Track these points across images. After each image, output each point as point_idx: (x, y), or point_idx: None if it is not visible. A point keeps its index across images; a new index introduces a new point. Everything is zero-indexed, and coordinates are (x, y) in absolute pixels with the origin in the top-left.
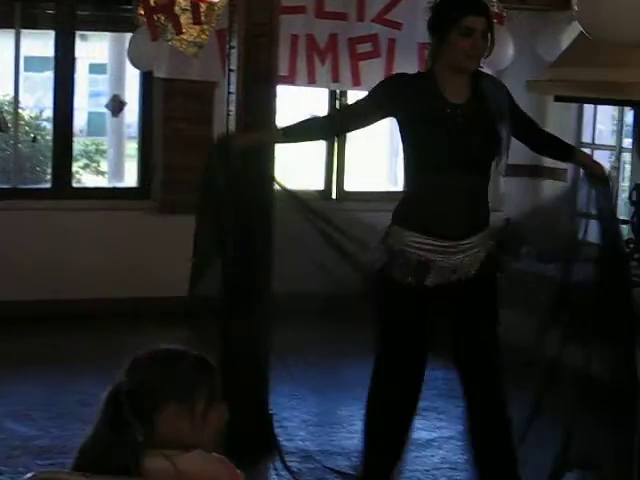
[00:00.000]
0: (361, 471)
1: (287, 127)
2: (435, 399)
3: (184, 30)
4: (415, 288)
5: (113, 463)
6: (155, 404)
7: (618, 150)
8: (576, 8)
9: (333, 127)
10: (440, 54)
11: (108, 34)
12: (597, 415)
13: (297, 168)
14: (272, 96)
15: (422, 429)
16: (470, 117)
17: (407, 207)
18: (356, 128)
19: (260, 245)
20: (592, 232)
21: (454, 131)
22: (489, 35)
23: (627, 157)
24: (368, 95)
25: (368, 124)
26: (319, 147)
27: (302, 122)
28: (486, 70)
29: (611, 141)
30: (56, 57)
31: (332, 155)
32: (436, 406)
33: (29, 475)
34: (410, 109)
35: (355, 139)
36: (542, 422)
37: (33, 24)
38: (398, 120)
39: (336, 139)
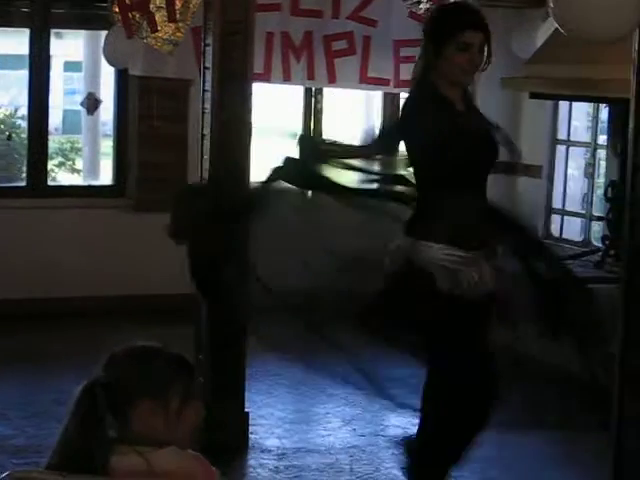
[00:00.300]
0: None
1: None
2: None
3: (159, 28)
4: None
5: (82, 460)
6: (130, 399)
7: (593, 147)
8: (551, 5)
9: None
10: (436, 67)
11: (83, 32)
12: None
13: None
14: (247, 94)
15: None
16: (474, 123)
17: (429, 220)
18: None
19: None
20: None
21: (467, 138)
22: (486, 48)
23: (602, 154)
24: (393, 126)
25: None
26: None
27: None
28: None
29: (586, 138)
30: (31, 55)
31: None
32: None
33: (4, 474)
34: (424, 125)
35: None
36: None
37: (8, 22)
38: (411, 141)
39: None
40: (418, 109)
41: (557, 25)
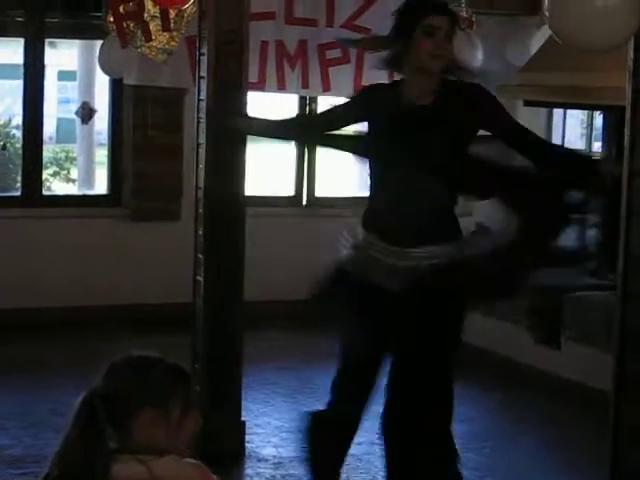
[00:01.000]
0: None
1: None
2: None
3: (153, 37)
4: (370, 287)
5: (83, 472)
6: (130, 410)
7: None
8: (546, 14)
9: (305, 125)
10: (406, 58)
11: (77, 41)
12: None
13: (268, 174)
14: (242, 103)
15: None
16: (431, 119)
17: (368, 210)
18: (327, 130)
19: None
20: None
21: (409, 133)
22: (455, 35)
23: None
24: (344, 102)
25: (338, 127)
26: (289, 153)
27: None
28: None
29: (581, 145)
30: (25, 65)
31: (302, 161)
32: None
33: None
34: (374, 112)
35: None
36: None
37: (3, 32)
38: (367, 124)
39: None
40: (377, 91)
41: (552, 33)
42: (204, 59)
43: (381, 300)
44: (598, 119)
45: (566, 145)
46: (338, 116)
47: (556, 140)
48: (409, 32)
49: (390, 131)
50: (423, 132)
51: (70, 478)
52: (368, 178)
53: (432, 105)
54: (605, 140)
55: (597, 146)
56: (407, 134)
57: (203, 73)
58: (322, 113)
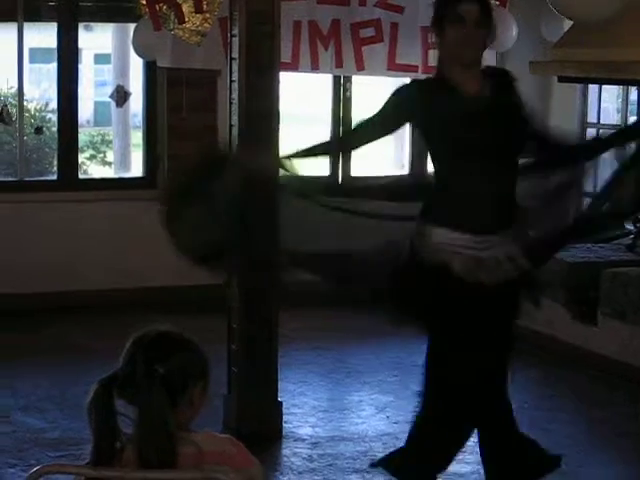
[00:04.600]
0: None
1: (294, 154)
2: None
3: (186, 19)
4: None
5: (161, 452)
6: (184, 386)
7: None
8: None
9: (346, 145)
10: (442, 50)
11: (112, 25)
12: None
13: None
14: (275, 83)
15: None
16: (490, 107)
17: (438, 204)
18: (370, 141)
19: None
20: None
21: (475, 123)
22: (488, 23)
23: None
24: (382, 107)
25: (385, 133)
26: (324, 132)
27: (310, 147)
28: (491, 55)
29: (617, 120)
30: (59, 48)
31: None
32: None
33: (35, 469)
34: (427, 109)
35: None
36: None
37: (36, 16)
38: (419, 126)
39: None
40: (417, 88)
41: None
42: (236, 40)
43: (489, 299)
44: (634, 94)
45: (602, 121)
46: (387, 118)
47: (592, 115)
48: (440, 22)
49: (458, 127)
50: (491, 123)
51: (147, 459)
52: (435, 174)
53: (492, 92)
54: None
55: (633, 120)
56: (476, 127)
57: (235, 54)
58: (369, 120)
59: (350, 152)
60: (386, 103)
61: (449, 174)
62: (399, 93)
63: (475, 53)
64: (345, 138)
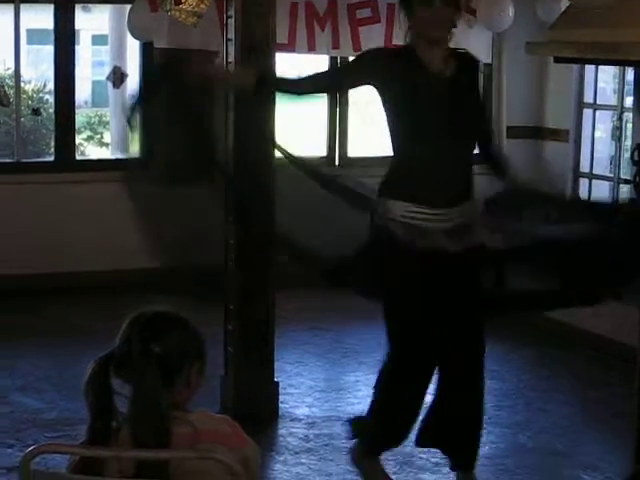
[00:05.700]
0: (365, 441)
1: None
2: None
3: (183, 0)
4: (415, 252)
5: (142, 430)
6: (181, 366)
7: (620, 109)
8: None
9: (315, 84)
10: (410, 28)
11: (109, 6)
12: None
13: (299, 134)
14: (271, 64)
15: None
16: (451, 87)
17: (395, 178)
18: (325, 89)
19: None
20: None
21: (437, 101)
22: (457, 2)
23: (629, 116)
24: (354, 60)
25: (348, 87)
26: (321, 113)
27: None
28: (487, 35)
29: (613, 100)
30: (56, 30)
31: (334, 121)
32: None
33: (30, 448)
34: (393, 79)
35: (357, 104)
36: None
37: None
38: (380, 91)
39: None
40: (388, 56)
41: None
42: (231, 21)
43: (446, 265)
44: (630, 74)
45: (599, 102)
46: (351, 70)
47: (588, 96)
48: (409, 2)
49: (419, 100)
50: (452, 101)
51: (141, 438)
52: (392, 147)
53: (454, 73)
54: (636, 96)
55: (630, 101)
56: (436, 103)
57: (231, 35)
58: (335, 69)
59: (306, 93)
60: (354, 59)
61: (406, 148)
62: (369, 53)
63: (443, 32)
64: (306, 78)
